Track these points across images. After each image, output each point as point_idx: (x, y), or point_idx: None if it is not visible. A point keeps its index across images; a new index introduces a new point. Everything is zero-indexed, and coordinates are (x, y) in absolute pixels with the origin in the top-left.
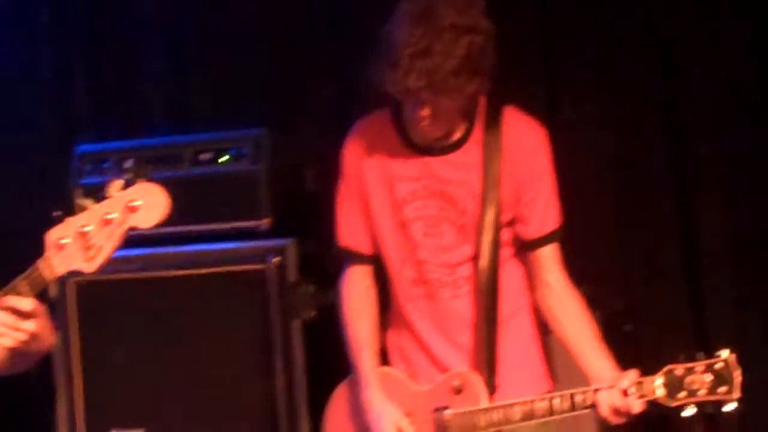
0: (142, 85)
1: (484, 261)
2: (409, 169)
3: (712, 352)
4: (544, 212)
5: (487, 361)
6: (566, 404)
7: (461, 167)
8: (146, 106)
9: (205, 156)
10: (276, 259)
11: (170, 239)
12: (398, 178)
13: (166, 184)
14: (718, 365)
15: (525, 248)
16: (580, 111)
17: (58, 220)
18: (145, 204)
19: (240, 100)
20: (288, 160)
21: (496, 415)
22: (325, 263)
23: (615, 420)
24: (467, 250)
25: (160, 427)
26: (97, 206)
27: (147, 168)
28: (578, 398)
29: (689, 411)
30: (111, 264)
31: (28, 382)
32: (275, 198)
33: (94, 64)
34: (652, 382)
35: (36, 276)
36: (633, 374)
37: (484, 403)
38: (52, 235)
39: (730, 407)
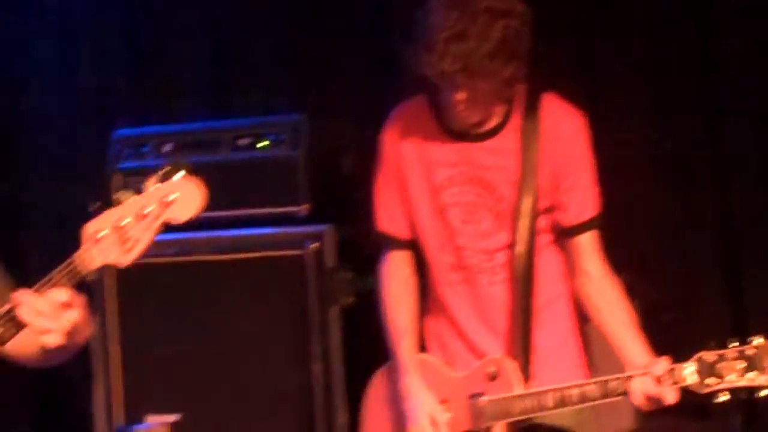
0: (182, 70)
1: (520, 248)
2: (447, 154)
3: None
4: (582, 199)
5: (522, 348)
6: (599, 391)
7: (499, 153)
8: (185, 91)
9: (244, 141)
10: (314, 245)
11: (209, 224)
12: (436, 164)
13: (205, 169)
14: (751, 351)
15: (563, 235)
16: (621, 99)
17: (95, 213)
18: (181, 197)
19: (279, 86)
20: (326, 145)
21: (529, 402)
22: (363, 249)
23: (648, 407)
24: (504, 236)
25: (196, 413)
26: (134, 199)
27: (185, 157)
28: (611, 385)
29: (722, 398)
30: (153, 248)
31: (65, 367)
32: (313, 184)
33: (134, 49)
34: (684, 369)
35: (72, 269)
36: (665, 361)
37: (519, 390)
38: (89, 228)
39: (764, 393)
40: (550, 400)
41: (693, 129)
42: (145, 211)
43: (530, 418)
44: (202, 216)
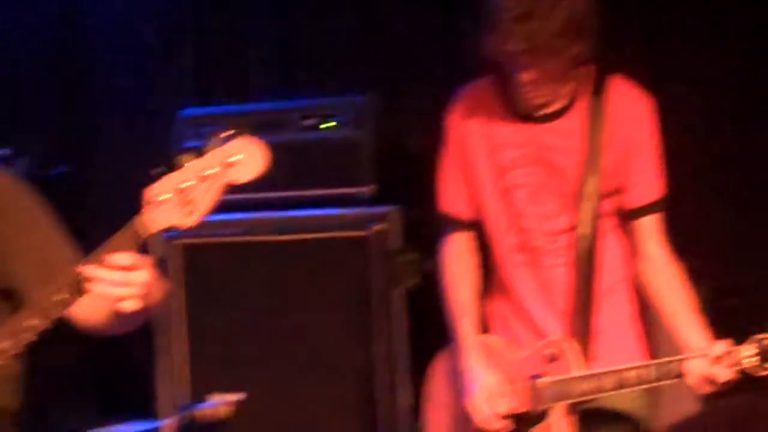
0: (248, 49)
1: (583, 230)
2: (513, 135)
3: None
4: (647, 181)
5: (582, 330)
6: (655, 373)
7: (565, 135)
8: (251, 71)
9: (309, 122)
10: (378, 226)
11: (274, 204)
12: (502, 145)
13: (270, 149)
14: None
15: (627, 218)
16: (689, 81)
17: (157, 177)
18: (244, 159)
19: (345, 66)
20: (391, 126)
21: (588, 384)
22: (428, 230)
23: (704, 389)
24: (568, 218)
25: (259, 392)
26: (196, 162)
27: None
28: (667, 367)
29: None
30: (216, 227)
31: (129, 346)
32: (378, 164)
33: (200, 28)
34: (743, 351)
35: (133, 232)
36: (722, 343)
37: (578, 372)
38: (150, 192)
39: None
40: (608, 382)
41: (763, 110)
42: (207, 173)
43: (590, 401)
44: (268, 196)
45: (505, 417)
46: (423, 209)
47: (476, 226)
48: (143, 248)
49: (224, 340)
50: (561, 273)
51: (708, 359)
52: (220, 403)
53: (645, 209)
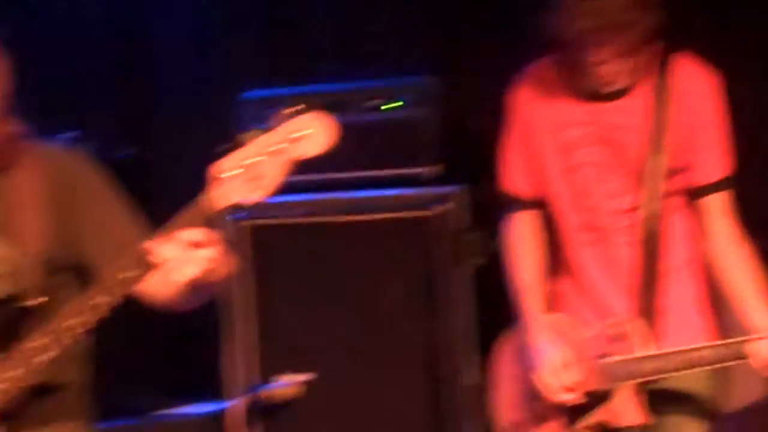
0: (310, 30)
1: (648, 209)
2: (577, 114)
3: None
4: (713, 159)
5: (648, 310)
6: (720, 353)
7: (630, 113)
8: (314, 52)
9: (372, 103)
10: (442, 206)
11: (338, 185)
12: (566, 124)
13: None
14: None
15: (694, 196)
16: (757, 58)
17: (223, 154)
18: (312, 133)
19: (408, 46)
20: (455, 106)
21: (654, 364)
22: (492, 210)
23: None
24: (634, 197)
25: (325, 373)
26: (261, 137)
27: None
28: (732, 348)
29: None
30: (282, 209)
31: (196, 326)
32: (442, 145)
33: (263, 8)
34: None
35: (199, 209)
36: None
37: (643, 351)
38: (216, 168)
39: None
40: (674, 362)
41: None
42: (273, 148)
43: (656, 381)
44: (333, 177)
45: (573, 390)
46: (488, 189)
47: (540, 205)
48: (211, 226)
49: (290, 320)
50: (626, 252)
51: None
52: (287, 384)
53: (711, 187)
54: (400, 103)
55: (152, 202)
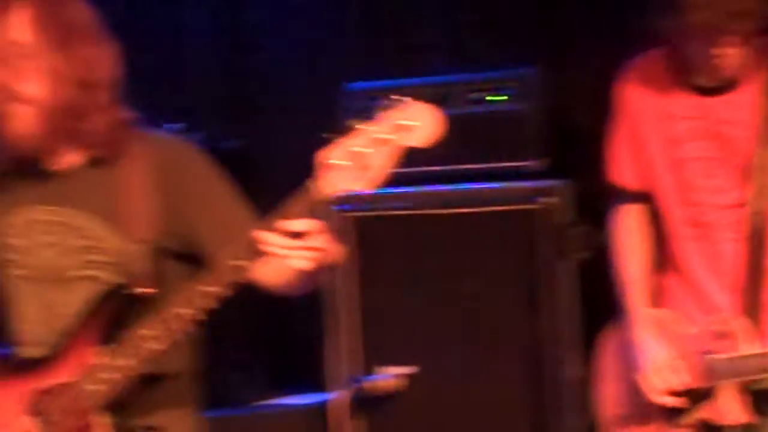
0: (414, 23)
1: (755, 205)
2: (685, 108)
3: None
4: None
5: (753, 307)
6: None
7: (737, 108)
8: (418, 44)
9: (477, 95)
10: (547, 200)
11: (442, 177)
12: (674, 117)
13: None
14: None
15: None
16: None
17: (329, 141)
18: (419, 125)
19: (512, 39)
20: (559, 99)
21: (759, 363)
22: (598, 204)
23: None
24: (740, 193)
25: (426, 366)
26: (369, 126)
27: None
28: None
29: None
30: (385, 200)
31: (299, 317)
32: (546, 138)
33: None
34: None
35: (307, 196)
36: None
37: (748, 349)
38: (323, 156)
39: None
40: None
41: None
42: (381, 137)
43: (761, 381)
44: (437, 169)
45: (675, 392)
46: (593, 182)
47: (647, 198)
48: (317, 216)
49: (393, 312)
50: (731, 248)
51: None
52: (390, 376)
53: None
54: (506, 97)
55: (256, 193)
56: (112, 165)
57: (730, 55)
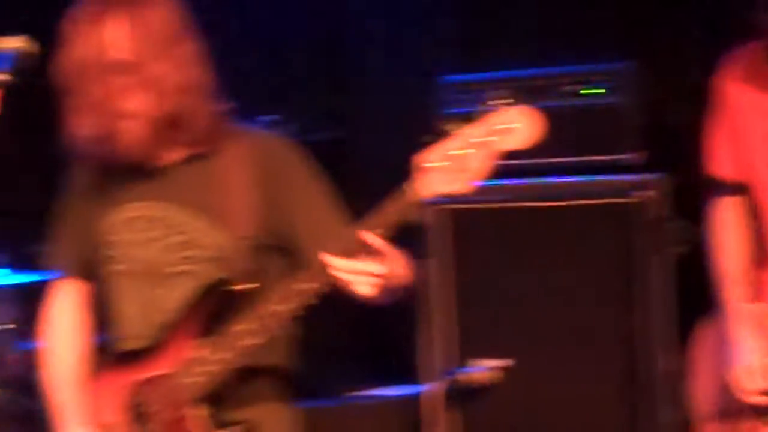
0: (509, 16)
1: None
2: None
3: None
4: None
5: None
6: None
7: None
8: (514, 37)
9: (571, 88)
10: (643, 194)
11: (538, 170)
12: None
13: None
14: None
15: None
16: None
17: (427, 144)
18: (518, 127)
19: (606, 32)
20: (655, 93)
21: None
22: (695, 198)
23: None
24: None
25: (521, 358)
26: (467, 129)
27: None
28: None
29: None
30: (481, 193)
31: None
32: (643, 132)
33: None
34: None
35: (402, 199)
36: None
37: None
38: (420, 159)
39: None
40: None
41: None
42: (480, 140)
43: None
44: (533, 162)
45: (766, 393)
46: (690, 177)
47: (746, 191)
48: (414, 213)
49: (488, 305)
50: None
51: None
52: (485, 369)
53: None
54: (602, 90)
55: (350, 186)
56: (210, 161)
57: None
